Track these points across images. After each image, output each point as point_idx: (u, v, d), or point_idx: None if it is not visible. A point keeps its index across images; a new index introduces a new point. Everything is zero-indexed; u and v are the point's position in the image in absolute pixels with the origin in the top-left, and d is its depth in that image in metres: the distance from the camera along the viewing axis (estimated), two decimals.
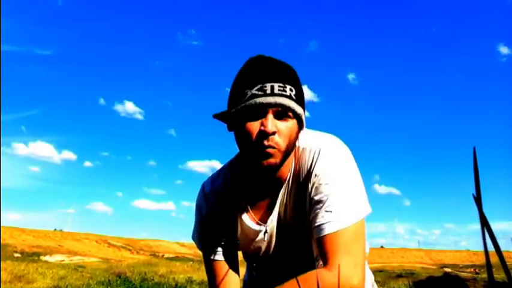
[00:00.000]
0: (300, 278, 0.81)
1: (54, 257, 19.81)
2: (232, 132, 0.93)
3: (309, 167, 0.93)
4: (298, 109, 0.85)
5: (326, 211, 0.87)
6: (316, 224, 0.87)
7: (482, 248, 0.30)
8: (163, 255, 29.99)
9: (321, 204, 0.88)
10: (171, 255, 30.58)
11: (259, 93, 0.82)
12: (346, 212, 0.86)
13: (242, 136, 0.86)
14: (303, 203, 0.95)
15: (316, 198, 0.89)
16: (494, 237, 0.31)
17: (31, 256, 19.33)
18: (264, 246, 1.04)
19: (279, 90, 0.82)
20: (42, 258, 19.05)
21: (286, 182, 0.96)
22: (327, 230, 0.85)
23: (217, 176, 1.06)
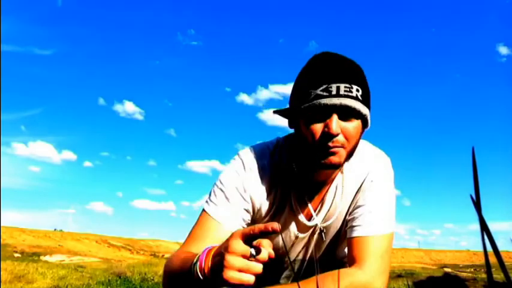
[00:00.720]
0: (330, 273, 0.84)
1: (54, 257, 19.82)
2: (291, 129, 0.94)
3: (357, 187, 0.98)
4: (364, 110, 0.82)
5: (367, 213, 0.93)
6: (355, 224, 0.93)
7: (482, 248, 0.30)
8: (163, 255, 29.98)
9: (363, 207, 0.94)
10: None
11: (325, 94, 0.80)
12: (386, 221, 0.92)
13: (305, 136, 0.84)
14: (347, 211, 0.99)
15: (359, 202, 0.95)
16: (493, 241, 0.31)
17: (31, 256, 19.33)
18: (301, 244, 1.04)
19: (344, 91, 0.79)
20: (42, 258, 19.05)
21: (336, 183, 0.98)
22: (366, 231, 0.90)
23: (262, 155, 0.98)
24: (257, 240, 0.65)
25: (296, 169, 0.96)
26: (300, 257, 1.08)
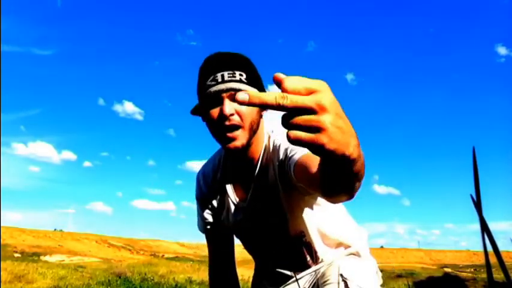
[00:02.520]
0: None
1: (54, 257, 19.80)
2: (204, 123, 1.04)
3: (285, 147, 1.01)
4: (251, 89, 0.93)
5: (292, 152, 0.96)
6: (289, 160, 0.95)
7: (482, 248, 0.30)
8: (163, 255, 29.95)
9: (289, 155, 0.97)
10: (171, 255, 30.54)
11: (212, 83, 0.94)
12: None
13: (208, 123, 0.98)
14: (276, 184, 1.04)
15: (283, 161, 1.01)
16: (493, 240, 0.31)
17: (31, 256, 19.32)
18: (245, 225, 1.14)
19: (228, 77, 0.93)
20: (42, 258, 19.04)
21: (260, 162, 1.06)
22: (298, 154, 0.92)
23: (208, 161, 1.22)
24: None
25: (226, 160, 1.14)
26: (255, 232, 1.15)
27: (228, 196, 1.14)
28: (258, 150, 1.05)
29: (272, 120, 1.11)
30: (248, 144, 0.97)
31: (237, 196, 1.13)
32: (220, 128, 0.94)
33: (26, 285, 7.64)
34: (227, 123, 0.92)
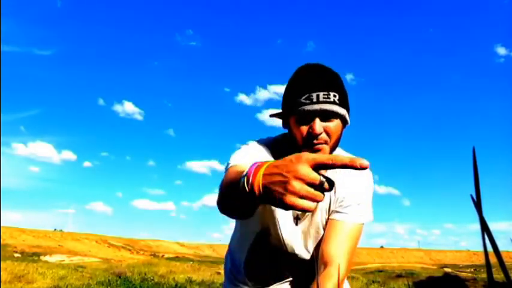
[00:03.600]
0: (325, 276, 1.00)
1: (54, 257, 19.80)
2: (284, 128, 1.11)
3: (343, 179, 1.12)
4: (341, 111, 1.00)
5: (344, 206, 1.10)
6: (336, 210, 1.10)
7: (482, 248, 0.30)
8: (163, 255, 29.98)
9: (347, 201, 1.11)
10: (171, 255, 30.57)
11: (307, 101, 0.98)
12: (360, 212, 1.11)
13: (295, 135, 1.02)
14: (328, 209, 1.13)
15: (342, 194, 1.12)
16: (494, 240, 0.31)
17: (31, 256, 19.33)
18: (291, 231, 1.14)
19: (323, 97, 0.97)
20: (42, 258, 19.04)
21: None
22: (339, 216, 1.09)
23: (265, 145, 1.12)
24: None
25: None
26: (299, 250, 1.17)
27: None
28: None
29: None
30: None
31: None
32: (309, 143, 1.00)
33: (26, 285, 7.64)
34: (315, 141, 0.99)
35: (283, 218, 1.12)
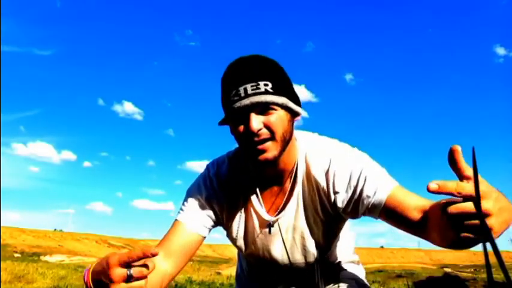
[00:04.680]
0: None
1: (54, 257, 19.79)
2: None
3: (325, 170, 0.96)
4: (278, 99, 0.87)
5: (367, 187, 0.90)
6: (368, 201, 0.90)
7: (482, 248, 0.30)
8: None
9: (358, 192, 0.91)
10: None
11: (236, 98, 0.86)
12: (386, 179, 0.92)
13: (236, 138, 0.92)
14: (322, 210, 0.99)
15: (347, 194, 0.93)
16: (494, 241, 0.31)
17: (31, 256, 19.31)
18: (270, 243, 1.04)
19: (252, 90, 0.86)
20: (42, 258, 19.02)
21: (293, 176, 0.99)
22: (383, 193, 0.88)
23: (223, 161, 1.07)
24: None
25: (250, 167, 1.02)
26: (285, 260, 1.06)
27: (252, 206, 1.02)
28: (291, 162, 0.98)
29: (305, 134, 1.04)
30: (280, 155, 0.90)
31: (265, 208, 1.02)
32: (250, 143, 0.88)
33: (26, 285, 7.64)
34: (256, 139, 0.87)
35: (251, 233, 1.04)
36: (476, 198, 0.47)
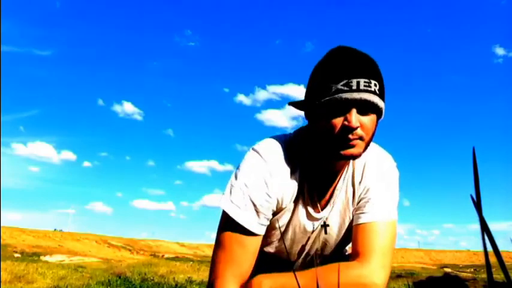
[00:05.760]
0: (330, 265, 0.88)
1: (54, 257, 19.78)
2: (305, 121, 0.96)
3: (361, 172, 1.01)
4: (381, 103, 0.85)
5: (369, 204, 0.96)
6: (359, 212, 0.97)
7: (481, 248, 0.30)
8: (163, 256, 29.94)
9: (366, 200, 0.98)
10: (171, 255, 30.54)
11: (345, 88, 0.81)
12: (388, 209, 0.96)
13: (324, 128, 0.86)
14: (348, 203, 1.02)
15: (363, 196, 0.99)
16: (493, 240, 0.31)
17: (31, 256, 19.31)
18: (309, 240, 1.05)
19: (364, 86, 0.82)
20: (42, 258, 19.02)
21: (343, 178, 1.01)
22: (368, 218, 0.94)
23: (278, 146, 0.97)
24: None
25: (312, 159, 0.97)
26: (307, 250, 1.08)
27: (302, 203, 0.99)
28: (345, 166, 1.00)
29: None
30: (360, 155, 0.89)
31: (314, 206, 1.01)
32: (343, 137, 0.84)
33: (26, 285, 7.64)
34: (351, 136, 0.83)
35: (294, 226, 1.02)
36: (477, 199, 0.47)
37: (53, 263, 14.63)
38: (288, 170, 0.95)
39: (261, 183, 0.91)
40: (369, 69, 0.84)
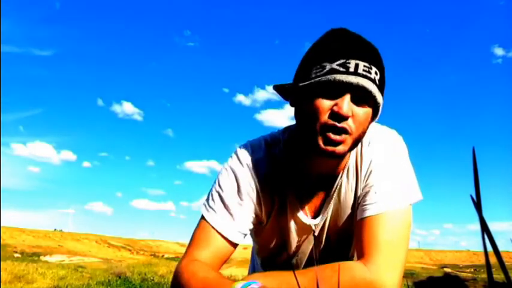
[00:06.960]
0: (330, 264, 0.73)
1: (54, 257, 19.78)
2: (292, 109, 0.82)
3: (361, 159, 0.85)
4: (379, 97, 0.73)
5: (371, 193, 0.80)
6: (360, 206, 0.81)
7: (482, 248, 0.30)
8: (163, 256, 29.95)
9: (369, 189, 0.81)
10: (171, 255, 30.54)
11: (341, 69, 0.69)
12: (395, 195, 0.78)
13: (308, 113, 0.73)
14: (354, 202, 0.87)
15: (365, 185, 0.83)
16: (493, 241, 0.31)
17: (31, 256, 19.31)
18: (306, 246, 0.94)
19: (363, 70, 0.69)
20: (42, 258, 19.02)
21: (342, 176, 0.86)
22: (370, 211, 0.78)
23: (259, 147, 0.88)
24: None
25: (294, 160, 0.86)
26: (304, 257, 0.98)
27: (290, 206, 0.88)
28: (344, 163, 0.84)
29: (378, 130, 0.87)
30: (346, 154, 0.76)
31: (305, 210, 0.89)
32: (325, 126, 0.71)
33: (26, 285, 7.64)
34: (338, 125, 0.70)
35: (290, 225, 0.91)
36: (477, 199, 0.47)
37: (53, 263, 14.64)
38: (264, 172, 0.86)
39: (234, 187, 0.85)
40: (371, 54, 0.73)
